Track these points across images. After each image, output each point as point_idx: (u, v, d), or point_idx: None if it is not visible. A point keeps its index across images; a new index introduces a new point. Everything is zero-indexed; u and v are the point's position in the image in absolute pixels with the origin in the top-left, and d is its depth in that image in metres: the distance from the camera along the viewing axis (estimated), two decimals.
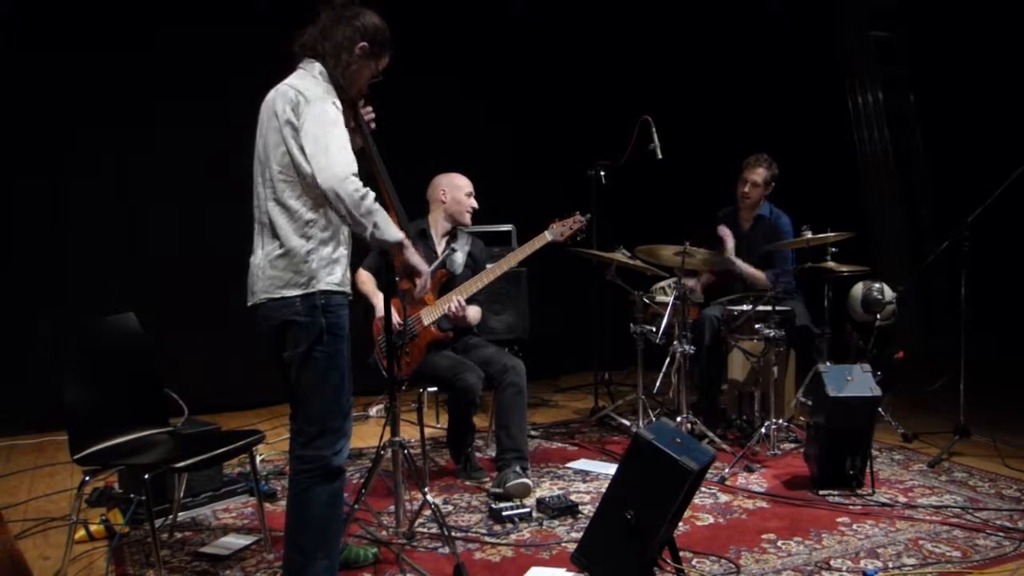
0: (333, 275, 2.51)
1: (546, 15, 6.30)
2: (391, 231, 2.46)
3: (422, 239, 3.96)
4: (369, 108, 2.74)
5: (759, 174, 4.63)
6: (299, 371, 2.50)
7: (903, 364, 4.84)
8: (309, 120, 2.40)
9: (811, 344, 4.43)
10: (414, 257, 2.59)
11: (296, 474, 2.54)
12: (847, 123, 6.90)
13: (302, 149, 2.41)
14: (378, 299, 3.85)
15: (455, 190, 4.02)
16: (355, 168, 2.38)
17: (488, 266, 4.12)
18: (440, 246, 4.06)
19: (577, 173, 5.16)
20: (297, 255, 2.46)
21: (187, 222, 5.34)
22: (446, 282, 3.98)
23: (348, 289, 2.58)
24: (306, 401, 2.53)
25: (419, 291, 2.65)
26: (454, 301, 3.83)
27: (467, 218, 4.06)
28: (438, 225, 4.08)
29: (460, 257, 4.07)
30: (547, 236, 3.92)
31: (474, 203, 4.05)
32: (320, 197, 2.42)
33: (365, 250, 3.80)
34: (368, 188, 2.40)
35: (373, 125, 2.77)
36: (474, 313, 3.99)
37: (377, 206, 2.42)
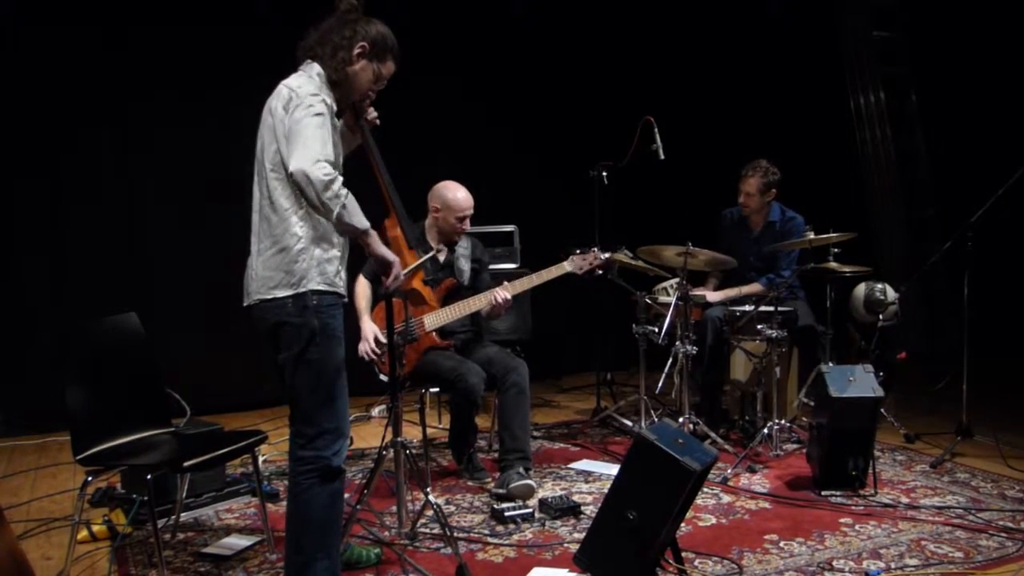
0: (325, 275, 2.50)
1: (547, 15, 6.30)
2: (358, 218, 2.43)
3: (421, 244, 3.95)
4: (372, 109, 2.75)
5: (751, 185, 4.63)
6: (293, 372, 2.50)
7: (905, 364, 4.84)
8: (293, 113, 2.39)
9: (815, 343, 4.43)
10: (380, 248, 2.55)
11: (296, 475, 2.54)
12: (849, 123, 6.89)
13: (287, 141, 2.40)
14: (365, 321, 3.84)
15: (448, 211, 3.93)
16: (330, 157, 2.36)
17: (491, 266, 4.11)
18: (439, 252, 4.04)
19: (579, 173, 5.16)
20: (288, 255, 2.46)
21: (188, 222, 5.34)
22: (453, 289, 3.97)
23: (341, 289, 2.57)
24: (302, 402, 2.53)
25: (391, 283, 2.62)
26: (501, 293, 3.81)
27: (455, 239, 4.03)
28: (432, 231, 4.04)
29: (465, 264, 4.07)
30: (566, 266, 3.94)
31: (465, 226, 3.97)
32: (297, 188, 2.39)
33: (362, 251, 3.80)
34: (339, 174, 2.36)
35: (377, 123, 2.77)
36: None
37: (346, 192, 2.37)
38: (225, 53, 5.28)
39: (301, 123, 2.36)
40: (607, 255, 4.03)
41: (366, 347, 3.75)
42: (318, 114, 2.39)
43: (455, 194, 3.94)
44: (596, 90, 6.38)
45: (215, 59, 5.27)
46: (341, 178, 2.36)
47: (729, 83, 6.64)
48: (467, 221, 3.97)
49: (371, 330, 3.77)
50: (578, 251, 3.98)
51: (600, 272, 4.12)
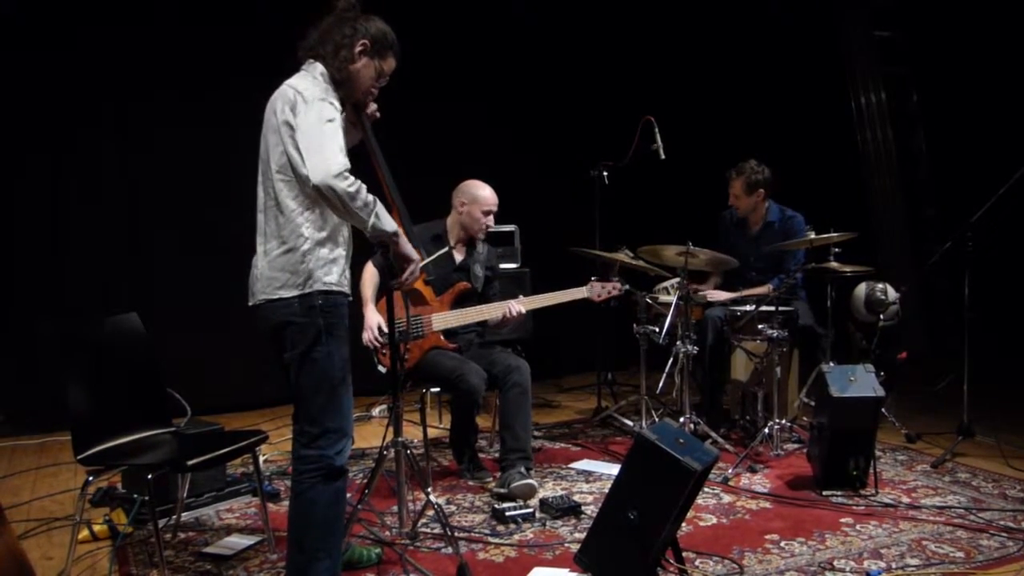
0: (331, 275, 2.51)
1: (547, 15, 6.30)
2: (388, 222, 2.48)
3: (436, 243, 3.95)
4: (371, 102, 2.74)
5: (736, 187, 4.69)
6: (298, 372, 2.51)
7: (906, 364, 4.83)
8: (304, 119, 2.40)
9: (815, 344, 4.43)
10: (407, 246, 2.62)
11: (299, 474, 2.54)
12: (850, 123, 6.89)
13: (298, 148, 2.41)
14: (369, 310, 3.84)
15: (474, 206, 3.98)
16: (348, 165, 2.37)
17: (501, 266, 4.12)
18: (457, 252, 4.06)
19: (580, 173, 5.16)
20: (294, 255, 2.47)
21: (188, 222, 5.34)
22: (466, 293, 3.98)
23: (347, 289, 2.58)
24: (306, 402, 2.53)
25: (407, 277, 2.67)
26: (516, 307, 3.85)
27: (479, 235, 4.06)
28: (455, 230, 4.06)
29: (480, 271, 4.08)
30: (584, 292, 4.02)
31: (490, 222, 4.01)
32: (316, 196, 2.42)
33: (366, 251, 3.80)
34: (360, 181, 2.39)
35: (377, 115, 2.76)
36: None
37: (372, 197, 2.42)
38: (225, 53, 5.28)
39: (315, 130, 2.37)
40: (627, 286, 4.10)
41: (369, 336, 3.76)
42: (330, 120, 2.40)
43: (482, 191, 4.00)
44: (596, 90, 6.38)
45: (215, 59, 5.26)
46: (364, 186, 2.39)
47: (730, 83, 6.63)
48: (492, 218, 4.01)
49: (375, 320, 3.78)
50: (596, 279, 4.04)
51: (615, 304, 4.18)
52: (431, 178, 4.13)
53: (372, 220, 2.41)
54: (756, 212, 4.73)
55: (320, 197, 2.38)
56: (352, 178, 2.36)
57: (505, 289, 4.83)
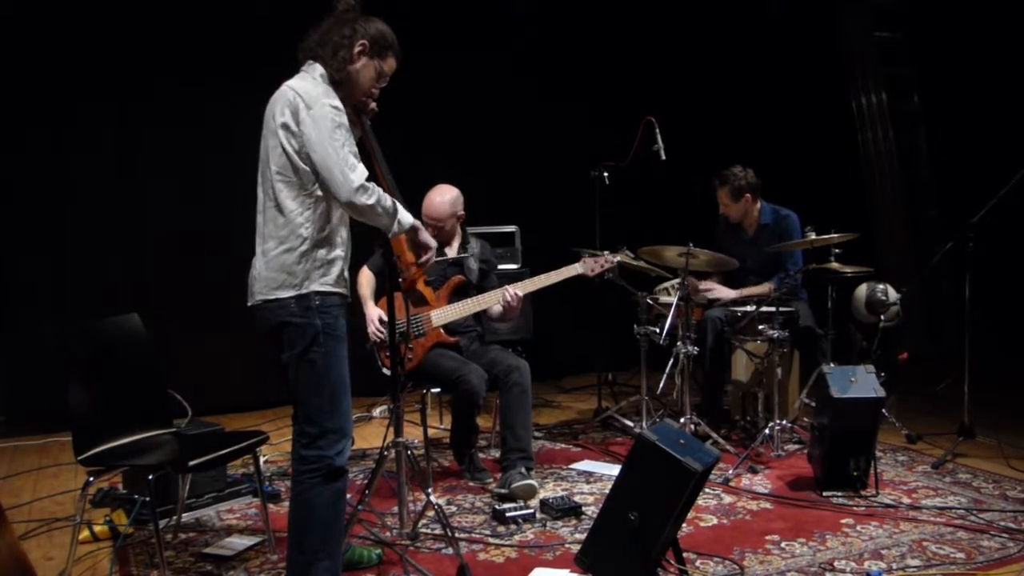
0: (328, 276, 2.52)
1: (547, 15, 6.29)
2: (406, 219, 2.58)
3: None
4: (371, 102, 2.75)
5: (722, 196, 4.69)
6: (297, 372, 2.51)
7: (907, 365, 4.83)
8: (310, 126, 2.42)
9: (815, 346, 4.43)
10: (424, 235, 2.70)
11: (299, 475, 2.54)
12: (851, 123, 6.89)
13: (298, 151, 2.44)
14: (369, 306, 3.87)
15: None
16: (365, 174, 2.44)
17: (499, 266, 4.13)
18: (449, 250, 4.07)
19: (580, 174, 5.16)
20: (292, 256, 2.48)
21: (189, 222, 5.33)
22: (462, 286, 3.99)
23: (345, 290, 2.59)
24: (305, 402, 2.53)
25: (424, 261, 2.74)
26: (510, 292, 3.83)
27: (445, 241, 4.04)
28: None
29: (474, 264, 4.09)
30: (578, 268, 3.99)
31: (441, 234, 4.00)
32: (317, 198, 2.47)
33: (366, 251, 3.80)
34: (374, 185, 2.45)
35: (376, 111, 2.76)
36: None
37: (388, 201, 2.50)
38: (225, 53, 5.28)
39: (326, 142, 2.39)
40: (618, 259, 4.08)
41: (372, 328, 3.79)
42: (338, 126, 2.42)
43: (428, 196, 4.01)
44: (596, 90, 6.38)
45: (216, 59, 5.26)
46: (379, 190, 2.47)
47: (730, 83, 6.63)
48: (439, 231, 3.96)
49: (376, 313, 3.81)
50: (588, 254, 4.03)
51: (609, 275, 4.22)
52: (431, 179, 4.12)
53: (394, 227, 2.53)
54: (748, 216, 4.72)
55: (345, 211, 2.50)
56: (370, 189, 2.43)
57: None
